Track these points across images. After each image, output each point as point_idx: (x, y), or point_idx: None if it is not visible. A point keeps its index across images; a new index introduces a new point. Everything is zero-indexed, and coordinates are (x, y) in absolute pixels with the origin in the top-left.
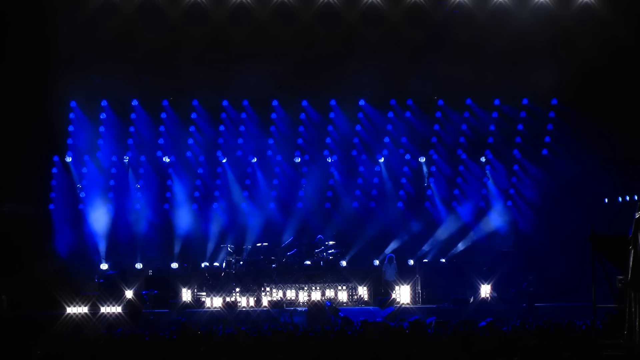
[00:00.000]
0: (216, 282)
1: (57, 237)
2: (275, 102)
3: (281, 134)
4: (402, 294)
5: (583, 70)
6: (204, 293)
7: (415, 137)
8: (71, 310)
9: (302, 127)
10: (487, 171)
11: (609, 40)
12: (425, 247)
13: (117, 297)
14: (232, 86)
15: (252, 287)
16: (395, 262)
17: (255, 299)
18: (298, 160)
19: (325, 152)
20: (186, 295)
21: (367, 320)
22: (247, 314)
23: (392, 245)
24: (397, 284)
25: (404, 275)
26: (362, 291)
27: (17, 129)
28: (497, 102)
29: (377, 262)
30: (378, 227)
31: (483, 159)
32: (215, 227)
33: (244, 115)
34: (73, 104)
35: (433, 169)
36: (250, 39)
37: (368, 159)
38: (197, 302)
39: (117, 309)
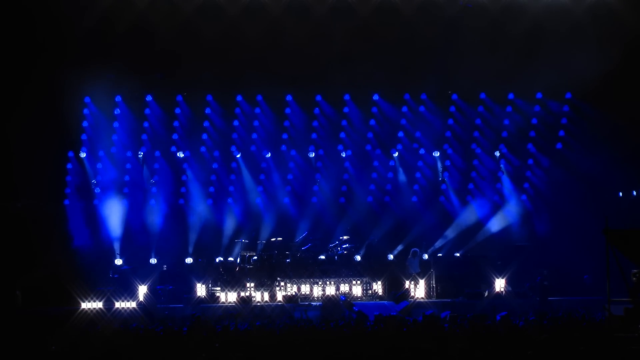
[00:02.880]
0: (231, 277)
1: (72, 232)
2: (289, 97)
3: (295, 128)
4: (417, 289)
5: (598, 64)
6: (219, 288)
7: (430, 132)
8: (86, 305)
9: (316, 122)
10: (502, 165)
11: (624, 34)
12: (440, 242)
13: (131, 292)
14: (246, 81)
15: (266, 281)
16: (419, 255)
17: (269, 293)
18: (312, 155)
19: (340, 147)
20: (201, 290)
21: (382, 315)
22: (261, 308)
23: (407, 240)
24: (416, 278)
25: (421, 269)
26: (377, 285)
27: (32, 125)
28: (511, 96)
29: (391, 257)
30: (392, 221)
31: (497, 153)
32: (229, 222)
33: (258, 110)
34: (87, 99)
35: (447, 163)
36: (264, 34)
37: (382, 154)
38: (212, 297)
39: (131, 304)
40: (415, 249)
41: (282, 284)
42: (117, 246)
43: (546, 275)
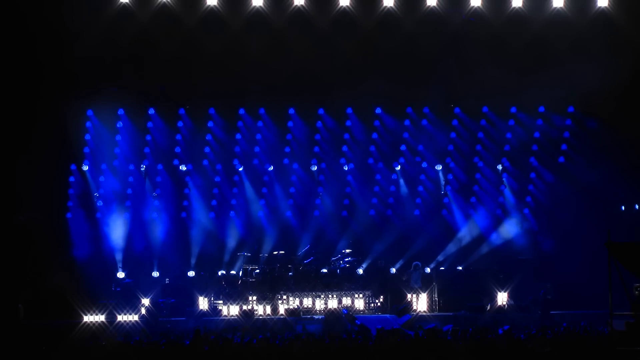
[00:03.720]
0: (233, 290)
1: (74, 245)
2: (291, 110)
3: (298, 142)
4: (419, 302)
5: (600, 77)
6: (221, 301)
7: (432, 145)
8: (88, 318)
9: (319, 135)
10: (504, 179)
11: (626, 47)
12: (442, 255)
13: (133, 305)
14: (248, 94)
15: (268, 295)
16: (420, 269)
17: (271, 307)
18: (314, 168)
19: (342, 160)
20: (203, 303)
21: (384, 328)
22: (263, 322)
23: (409, 253)
24: (418, 292)
25: (422, 283)
26: (379, 299)
27: (34, 137)
28: (513, 109)
29: (393, 270)
30: (395, 235)
31: (500, 167)
32: (231, 235)
33: (260, 123)
34: (90, 112)
35: (450, 176)
36: (267, 47)
37: (385, 167)
38: (214, 310)
39: (134, 317)
40: (416, 262)
41: (285, 297)
42: (119, 259)
43: (549, 288)
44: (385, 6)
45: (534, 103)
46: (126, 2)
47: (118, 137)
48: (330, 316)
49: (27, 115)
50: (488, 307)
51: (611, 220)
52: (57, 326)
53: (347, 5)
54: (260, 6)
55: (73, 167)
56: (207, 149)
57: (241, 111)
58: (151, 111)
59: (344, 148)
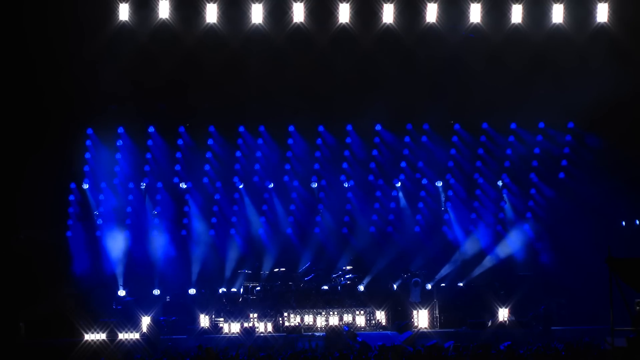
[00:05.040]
0: (234, 308)
1: (75, 263)
2: (291, 128)
3: (298, 159)
4: (420, 318)
5: (600, 93)
6: (222, 319)
7: (432, 161)
8: (89, 337)
9: (319, 152)
10: (504, 195)
11: (626, 63)
12: (443, 271)
13: (134, 324)
14: (248, 112)
15: (269, 312)
16: (420, 285)
17: (273, 324)
18: (315, 185)
19: (342, 177)
20: (204, 321)
21: (385, 345)
22: (264, 339)
23: (410, 270)
24: (417, 307)
25: (422, 299)
26: (380, 315)
27: (34, 156)
28: (513, 125)
29: (395, 287)
30: (395, 251)
31: (500, 183)
32: (232, 253)
33: (260, 141)
34: (89, 131)
35: (450, 193)
36: (266, 65)
37: (385, 184)
38: (215, 327)
39: (135, 335)
40: (416, 278)
41: (286, 314)
42: (120, 277)
43: (550, 304)
44: (385, 23)
45: (534, 119)
46: (125, 21)
47: (118, 155)
48: (332, 333)
49: (27, 134)
50: (489, 323)
51: (611, 236)
52: (58, 345)
53: (346, 22)
54: (259, 24)
55: (73, 185)
56: (207, 167)
57: (241, 129)
58: (151, 129)
59: (344, 165)
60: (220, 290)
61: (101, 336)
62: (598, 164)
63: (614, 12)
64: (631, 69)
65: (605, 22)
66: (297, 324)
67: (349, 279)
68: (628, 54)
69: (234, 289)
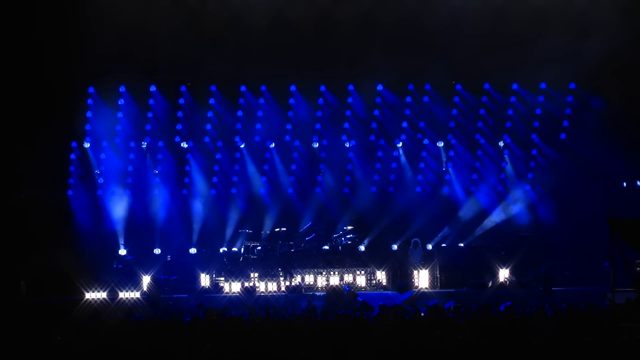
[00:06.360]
0: (235, 267)
1: (76, 223)
2: (293, 88)
3: (299, 119)
4: (421, 279)
5: (601, 53)
6: (223, 278)
7: (434, 122)
8: (90, 295)
9: (320, 112)
10: (506, 155)
11: (628, 23)
12: (444, 232)
13: (135, 283)
14: (250, 71)
15: (270, 272)
16: (420, 246)
17: (273, 284)
18: (316, 145)
19: (344, 137)
20: (204, 280)
21: (386, 305)
22: (265, 299)
23: (411, 230)
24: (418, 268)
25: (422, 259)
26: (381, 276)
27: (35, 115)
28: (514, 86)
29: (395, 247)
30: (396, 212)
31: (501, 144)
32: (233, 212)
33: (262, 100)
34: (91, 89)
35: (451, 153)
36: (268, 24)
37: (386, 144)
38: (216, 287)
39: (135, 294)
40: (416, 239)
41: (286, 274)
42: (120, 236)
43: (550, 265)
44: None
45: (536, 80)
46: None
47: (119, 114)
48: (332, 293)
49: (28, 93)
50: (490, 284)
51: (613, 197)
52: (59, 303)
53: None
54: None
55: (74, 144)
56: (208, 126)
57: (242, 88)
58: (152, 88)
59: (346, 125)
60: (221, 250)
61: (102, 295)
62: (600, 125)
63: None
64: (633, 28)
65: None
66: (297, 284)
67: (349, 239)
68: (630, 13)
69: (234, 249)
